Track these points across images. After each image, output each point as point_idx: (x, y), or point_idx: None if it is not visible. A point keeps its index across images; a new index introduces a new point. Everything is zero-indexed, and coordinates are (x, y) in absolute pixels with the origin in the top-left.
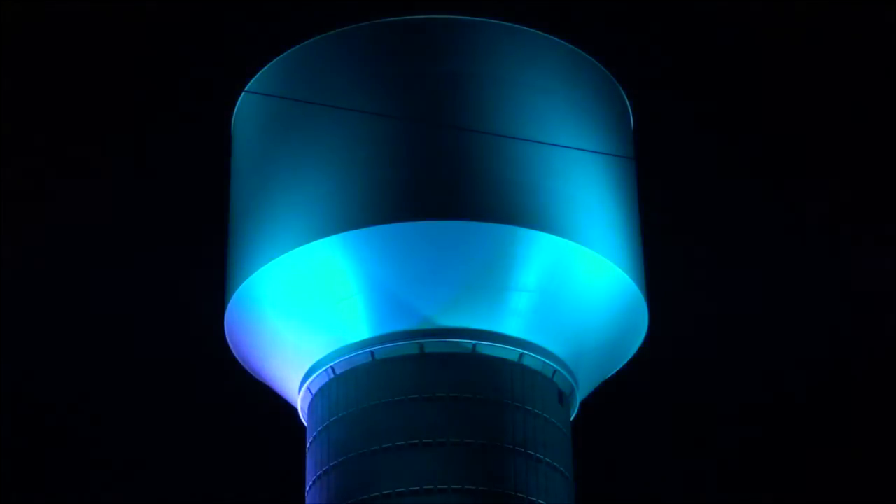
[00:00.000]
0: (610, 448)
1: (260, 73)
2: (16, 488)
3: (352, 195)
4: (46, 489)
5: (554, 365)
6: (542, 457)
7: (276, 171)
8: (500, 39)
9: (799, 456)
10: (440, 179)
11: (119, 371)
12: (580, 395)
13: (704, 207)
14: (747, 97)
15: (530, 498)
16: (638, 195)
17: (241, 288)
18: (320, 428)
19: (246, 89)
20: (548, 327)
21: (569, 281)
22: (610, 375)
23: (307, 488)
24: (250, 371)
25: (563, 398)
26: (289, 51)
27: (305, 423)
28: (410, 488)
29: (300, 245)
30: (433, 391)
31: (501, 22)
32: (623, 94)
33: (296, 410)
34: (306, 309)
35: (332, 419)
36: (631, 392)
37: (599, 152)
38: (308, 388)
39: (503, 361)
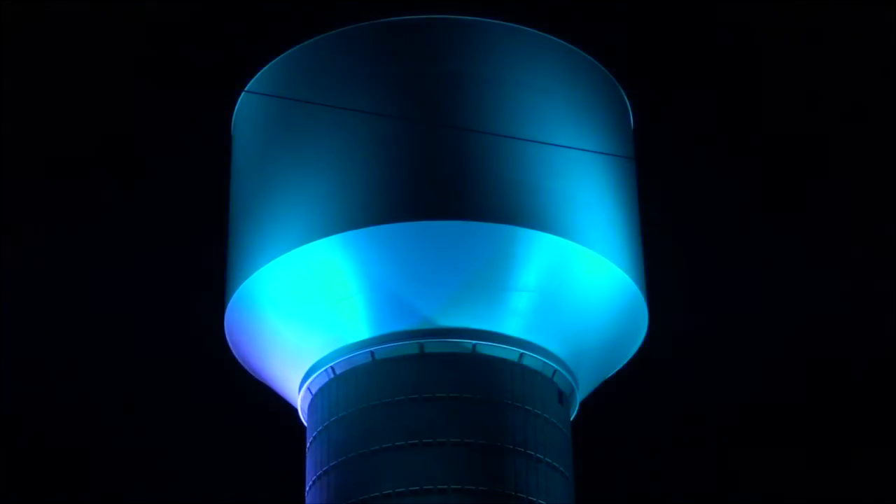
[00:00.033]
0: (610, 448)
1: (260, 73)
2: (15, 488)
3: (352, 195)
4: (46, 489)
5: (554, 365)
6: (542, 457)
7: (276, 171)
8: (500, 39)
9: (798, 456)
10: (440, 179)
11: (119, 371)
12: (580, 395)
13: (704, 207)
14: (747, 97)
15: (530, 498)
16: (638, 195)
17: (241, 288)
18: (320, 428)
19: (246, 89)
20: (548, 327)
21: (569, 281)
22: (610, 375)
23: (307, 488)
24: (250, 371)
25: (563, 398)
26: (289, 51)
27: (305, 423)
28: (410, 488)
29: (300, 245)
30: (433, 391)
31: (501, 22)
32: (623, 94)
33: (296, 410)
34: (306, 309)
35: (332, 419)
36: (631, 392)
37: (599, 152)
38: (308, 388)
39: (503, 361)
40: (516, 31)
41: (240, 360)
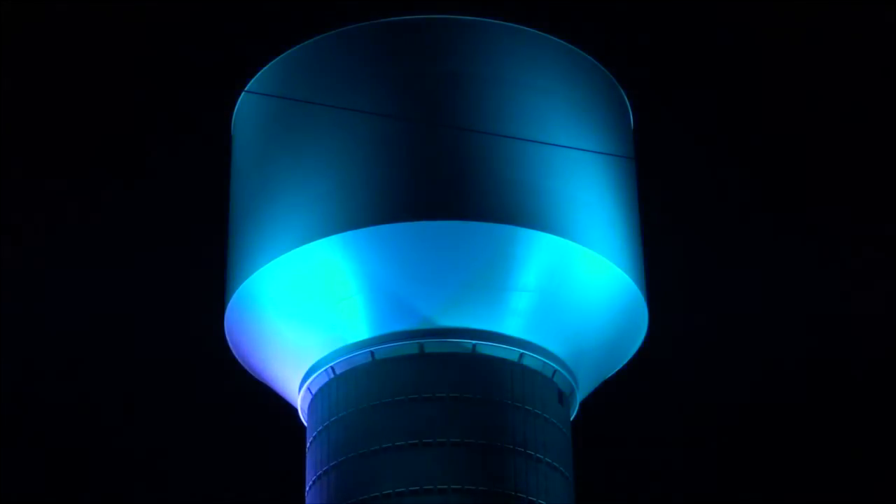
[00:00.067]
0: (610, 448)
1: (260, 73)
2: (15, 488)
3: (352, 195)
4: (46, 489)
5: (554, 365)
6: (542, 457)
7: (276, 171)
8: (500, 39)
9: (798, 456)
10: (440, 179)
11: (119, 371)
12: (580, 395)
13: (704, 208)
14: (747, 97)
15: (530, 498)
16: (638, 195)
17: (241, 288)
18: (320, 428)
19: (246, 89)
20: (548, 327)
21: (569, 281)
22: (610, 375)
23: (307, 488)
24: (250, 371)
25: (563, 398)
26: (289, 51)
27: (305, 423)
28: (410, 488)
29: (300, 245)
30: (433, 391)
31: (501, 22)
32: (623, 94)
33: (296, 410)
34: (306, 309)
35: (332, 419)
36: (631, 392)
37: (599, 152)
38: (308, 388)
39: (503, 361)
40: (516, 31)
41: (240, 360)
